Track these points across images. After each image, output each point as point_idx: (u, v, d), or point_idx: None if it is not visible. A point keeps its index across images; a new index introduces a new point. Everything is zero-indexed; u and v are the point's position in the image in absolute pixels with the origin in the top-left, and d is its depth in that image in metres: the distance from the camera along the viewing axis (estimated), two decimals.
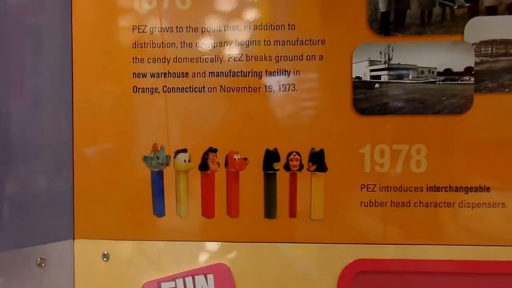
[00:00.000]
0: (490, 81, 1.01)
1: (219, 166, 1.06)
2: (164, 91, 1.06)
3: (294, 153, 1.05)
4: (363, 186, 1.05)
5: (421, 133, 1.04)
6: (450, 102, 1.02)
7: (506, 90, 1.01)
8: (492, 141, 1.04)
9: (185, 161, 1.06)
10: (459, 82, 1.02)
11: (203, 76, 1.05)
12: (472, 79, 1.01)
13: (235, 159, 1.06)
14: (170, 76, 1.05)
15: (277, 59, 1.04)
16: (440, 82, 1.02)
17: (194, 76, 1.05)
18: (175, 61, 1.05)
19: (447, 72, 1.02)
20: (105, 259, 1.10)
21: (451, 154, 1.04)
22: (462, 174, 1.05)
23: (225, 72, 1.04)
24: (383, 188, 1.05)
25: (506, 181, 1.04)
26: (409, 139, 1.04)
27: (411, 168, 1.04)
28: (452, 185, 1.04)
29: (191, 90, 1.05)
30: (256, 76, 1.04)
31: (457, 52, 1.02)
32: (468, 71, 1.02)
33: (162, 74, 1.05)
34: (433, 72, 1.02)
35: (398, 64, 1.03)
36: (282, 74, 1.04)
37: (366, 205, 1.06)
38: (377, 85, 1.03)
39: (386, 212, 1.06)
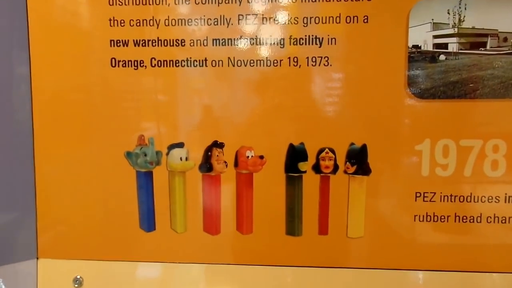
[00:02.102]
0: None
1: (226, 166, 0.61)
2: (153, 65, 0.60)
3: (327, 149, 0.59)
4: (418, 195, 0.60)
5: (500, 124, 0.58)
6: None
7: None
8: None
9: (181, 159, 0.61)
10: None
11: (205, 44, 0.59)
12: None
13: (248, 157, 0.60)
14: (161, 45, 0.59)
15: (304, 21, 0.57)
16: None
17: (193, 45, 0.59)
18: (166, 23, 0.59)
19: None
20: (76, 284, 0.63)
21: None
22: None
23: (235, 39, 0.59)
24: (446, 198, 0.60)
25: None
26: (483, 132, 0.59)
27: (484, 171, 0.58)
28: None
29: (188, 64, 0.60)
30: (277, 44, 0.57)
31: None
32: None
33: (150, 42, 0.59)
34: None
35: (473, 28, 0.56)
36: (312, 42, 0.57)
37: (421, 219, 0.61)
38: (442, 57, 0.57)
39: (449, 229, 0.60)
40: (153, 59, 0.63)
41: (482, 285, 0.65)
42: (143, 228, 0.67)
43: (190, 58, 0.63)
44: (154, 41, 0.63)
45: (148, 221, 0.67)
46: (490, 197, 0.63)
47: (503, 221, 0.63)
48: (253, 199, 0.66)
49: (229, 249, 0.67)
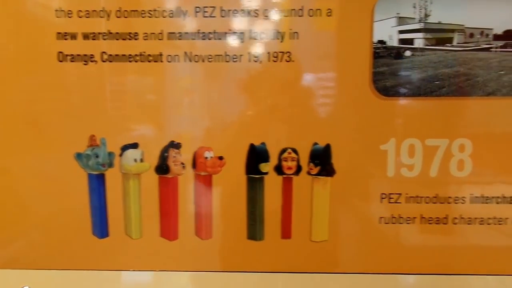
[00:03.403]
0: None
1: (184, 167, 0.48)
2: (104, 59, 0.47)
3: (289, 150, 0.48)
4: (384, 196, 0.50)
5: (466, 123, 0.48)
6: (510, 78, 0.46)
7: None
8: None
9: (135, 160, 0.48)
10: None
11: (160, 38, 0.46)
12: None
13: (207, 158, 0.48)
14: (112, 38, 0.46)
15: (265, 14, 0.45)
16: (497, 50, 0.46)
17: (147, 39, 0.46)
18: (118, 15, 0.46)
19: (508, 35, 0.46)
20: None
21: (505, 152, 0.48)
22: None
23: (192, 33, 0.46)
24: (412, 199, 0.48)
25: None
26: (449, 131, 0.48)
27: (450, 171, 0.48)
28: (505, 194, 0.48)
29: (142, 59, 0.47)
30: (236, 38, 0.45)
31: None
32: None
33: (100, 35, 0.46)
34: (487, 35, 0.46)
35: (439, 23, 0.46)
36: (273, 36, 0.45)
37: (387, 221, 0.50)
38: (408, 53, 0.47)
39: (414, 231, 0.49)
40: (104, 54, 0.51)
41: (449, 287, 0.55)
42: (95, 234, 0.55)
43: (144, 52, 0.51)
44: (104, 34, 0.51)
45: (101, 227, 0.55)
46: (456, 198, 0.53)
47: (469, 222, 0.53)
48: (212, 202, 0.54)
49: (187, 255, 0.55)
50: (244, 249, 0.56)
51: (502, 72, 0.52)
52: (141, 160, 0.54)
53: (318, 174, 0.54)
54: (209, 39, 0.52)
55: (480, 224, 0.54)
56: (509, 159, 0.54)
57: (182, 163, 0.55)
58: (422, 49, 0.52)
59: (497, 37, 0.51)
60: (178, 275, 0.57)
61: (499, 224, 0.54)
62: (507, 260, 0.55)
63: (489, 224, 0.54)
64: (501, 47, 0.51)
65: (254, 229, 0.56)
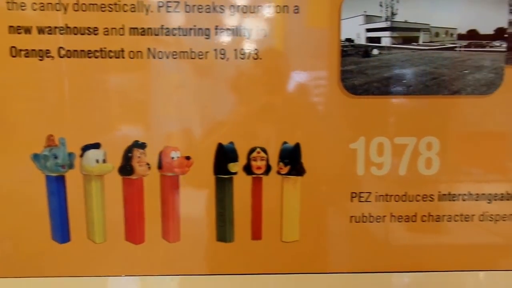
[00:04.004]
0: None
1: (149, 168, 0.43)
2: (61, 55, 0.41)
3: (258, 149, 0.44)
4: (354, 195, 0.46)
5: (433, 121, 0.45)
6: (474, 77, 0.44)
7: None
8: None
9: (97, 161, 0.43)
10: (487, 48, 0.42)
11: (121, 33, 0.41)
12: (504, 45, 0.42)
13: (173, 158, 0.43)
14: (70, 33, 0.40)
15: (231, 10, 0.41)
16: (462, 49, 0.43)
17: (107, 34, 0.40)
18: (76, 8, 0.40)
19: (472, 35, 0.43)
20: None
21: (471, 150, 0.45)
22: (485, 177, 0.46)
23: (155, 29, 0.41)
24: (381, 198, 0.45)
25: None
26: (417, 130, 0.44)
27: (419, 170, 0.45)
28: (472, 192, 0.45)
29: (102, 55, 0.41)
30: (202, 35, 0.41)
31: (486, 6, 0.42)
32: (499, 33, 0.43)
33: (57, 29, 0.40)
34: (452, 35, 0.43)
35: (405, 22, 0.42)
36: (240, 33, 0.41)
37: (358, 220, 0.46)
38: (375, 52, 0.43)
39: (385, 229, 0.45)
40: (61, 49, 0.45)
41: (418, 284, 0.52)
42: (56, 239, 0.49)
43: (105, 48, 0.46)
44: (62, 28, 0.45)
45: (61, 232, 0.49)
46: (425, 196, 0.50)
47: (438, 220, 0.50)
48: (179, 204, 0.49)
49: (154, 259, 0.50)
50: (213, 251, 0.51)
51: (466, 71, 0.49)
52: (104, 161, 0.49)
53: (288, 173, 0.50)
54: (174, 35, 0.47)
55: (448, 221, 0.52)
56: (475, 157, 0.51)
57: (147, 164, 0.49)
58: (389, 48, 0.49)
59: (461, 37, 0.49)
60: (145, 280, 0.51)
61: (466, 221, 0.52)
62: (474, 256, 0.52)
63: (456, 221, 0.52)
64: (465, 46, 0.49)
65: (224, 231, 0.51)
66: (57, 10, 0.46)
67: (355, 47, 0.49)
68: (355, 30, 0.49)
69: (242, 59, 0.48)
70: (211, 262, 0.52)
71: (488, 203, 0.52)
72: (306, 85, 0.49)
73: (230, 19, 0.48)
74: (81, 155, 0.49)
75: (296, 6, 0.48)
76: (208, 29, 0.48)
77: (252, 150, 0.50)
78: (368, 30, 0.49)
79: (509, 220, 0.52)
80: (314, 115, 0.50)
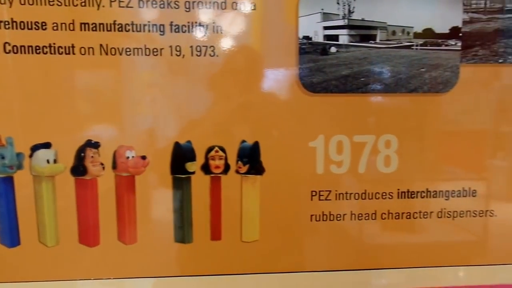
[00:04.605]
0: (481, 48, 0.41)
1: (103, 168, 0.39)
2: (7, 51, 0.37)
3: (216, 148, 0.41)
4: (314, 194, 0.44)
5: (391, 119, 0.42)
6: (431, 75, 0.42)
7: (500, 61, 0.41)
8: (481, 130, 0.43)
9: (48, 161, 0.39)
10: (442, 47, 0.40)
11: (72, 29, 0.36)
12: (459, 43, 0.40)
13: (128, 157, 0.40)
14: (16, 27, 0.36)
15: (186, 6, 0.38)
16: (418, 47, 0.41)
17: (57, 29, 0.37)
18: (22, 2, 0.36)
19: (428, 34, 0.41)
20: None
21: (429, 147, 0.43)
22: (442, 174, 0.44)
23: (107, 25, 0.37)
24: (341, 196, 0.42)
25: (496, 181, 0.44)
26: (375, 127, 0.42)
27: (378, 168, 0.42)
28: (430, 189, 0.43)
29: (52, 51, 0.37)
30: (156, 31, 0.37)
31: (441, 6, 0.40)
32: (454, 32, 0.41)
33: (2, 24, 0.36)
34: (408, 33, 0.41)
35: (362, 20, 0.40)
36: (196, 29, 0.38)
37: (318, 219, 0.43)
38: (333, 50, 0.41)
39: (345, 227, 0.43)
40: (7, 44, 0.42)
41: (378, 283, 0.49)
42: (5, 243, 0.45)
43: (54, 44, 0.42)
44: (7, 23, 0.41)
45: (10, 235, 0.45)
46: (384, 193, 0.48)
47: (397, 217, 0.48)
48: (136, 205, 0.46)
49: (110, 262, 0.46)
50: (172, 252, 0.48)
51: (423, 70, 0.47)
52: (55, 161, 0.45)
53: (247, 172, 0.47)
54: (127, 30, 0.44)
55: (407, 218, 0.49)
56: (432, 154, 0.49)
57: (101, 164, 0.46)
58: (347, 46, 0.47)
59: (417, 35, 0.47)
60: (100, 284, 0.47)
61: (424, 218, 0.50)
62: (433, 253, 0.50)
63: (415, 218, 0.50)
64: (421, 45, 0.47)
65: (182, 232, 0.48)
66: (2, 4, 0.42)
67: (313, 44, 0.47)
68: (312, 27, 0.46)
69: (198, 56, 0.45)
70: (170, 264, 0.48)
71: (446, 200, 0.50)
72: (264, 83, 0.47)
73: (186, 15, 0.45)
74: (31, 155, 0.45)
75: (253, 3, 0.45)
76: (162, 25, 0.44)
77: (210, 149, 0.47)
78: (326, 28, 0.47)
79: (466, 216, 0.50)
80: (273, 113, 0.47)
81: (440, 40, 0.48)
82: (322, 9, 0.46)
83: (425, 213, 0.50)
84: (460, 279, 0.52)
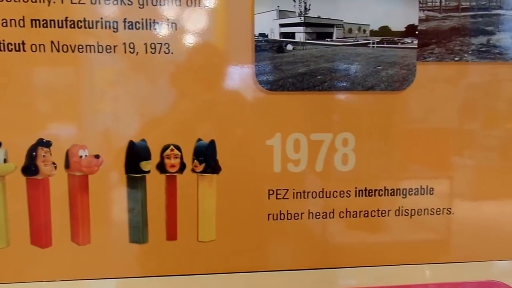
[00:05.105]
0: (437, 46, 0.52)
1: (55, 167, 0.49)
2: None
3: (172, 147, 0.51)
4: (271, 192, 0.54)
5: (348, 117, 0.53)
6: (387, 73, 0.53)
7: (456, 59, 0.52)
8: (438, 127, 0.55)
9: None
10: (399, 45, 0.51)
11: (22, 25, 0.46)
12: (415, 41, 0.51)
13: (81, 156, 0.50)
14: None
15: (140, 2, 0.47)
16: (375, 45, 0.51)
17: (6, 25, 0.46)
18: None
19: (384, 32, 0.51)
20: None
21: (386, 145, 0.54)
22: (400, 172, 0.56)
23: (58, 21, 0.47)
24: (299, 194, 0.53)
25: (454, 179, 0.55)
26: (332, 125, 0.54)
27: (335, 166, 0.53)
28: (387, 187, 0.54)
29: (1, 48, 0.47)
30: (109, 28, 0.47)
31: (397, 3, 0.51)
32: (410, 30, 0.51)
33: None
34: (364, 31, 0.52)
35: (318, 17, 0.50)
36: (150, 26, 0.47)
37: (275, 218, 0.54)
38: (289, 47, 0.51)
39: (303, 226, 0.54)
40: None
41: (336, 281, 0.60)
42: None
43: (3, 41, 0.51)
44: None
45: None
46: (342, 192, 0.58)
47: (355, 216, 0.58)
48: (89, 205, 0.55)
49: (63, 263, 0.55)
50: (126, 253, 0.57)
51: (379, 67, 0.58)
52: (5, 161, 0.53)
53: (203, 171, 0.57)
54: (79, 27, 0.52)
55: (365, 217, 0.60)
56: (389, 152, 0.59)
57: (54, 163, 0.54)
58: (303, 43, 0.56)
59: (373, 33, 0.57)
60: (53, 286, 0.56)
61: (382, 216, 0.60)
62: (391, 252, 0.61)
63: (373, 217, 0.60)
64: (378, 43, 0.57)
65: (137, 232, 0.57)
66: None
67: (269, 42, 0.56)
68: (268, 25, 0.56)
69: (153, 53, 0.54)
70: (124, 265, 0.58)
71: (403, 198, 0.60)
72: (220, 81, 0.56)
73: (140, 12, 0.53)
74: None
75: None
76: (116, 22, 0.53)
77: (166, 148, 0.56)
78: (282, 25, 0.56)
79: (424, 214, 0.61)
80: (229, 111, 0.57)
81: (396, 38, 0.58)
82: (278, 7, 0.56)
83: (383, 212, 0.60)
84: (424, 277, 0.62)
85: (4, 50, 0.52)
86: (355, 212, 0.60)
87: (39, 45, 0.52)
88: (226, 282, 0.59)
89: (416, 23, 0.58)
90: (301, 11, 0.56)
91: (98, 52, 0.53)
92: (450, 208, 0.61)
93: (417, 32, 0.58)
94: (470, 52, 0.59)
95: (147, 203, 0.57)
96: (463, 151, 0.61)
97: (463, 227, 0.62)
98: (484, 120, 0.61)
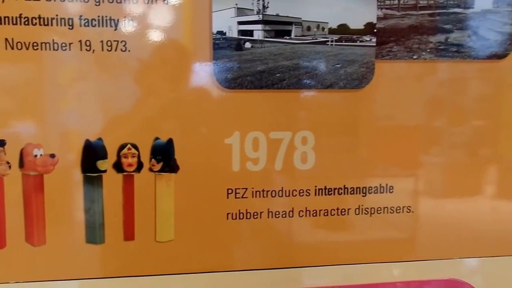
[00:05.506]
0: (395, 44, 0.62)
1: (9, 167, 0.57)
2: None
3: (129, 145, 0.60)
4: (230, 191, 0.64)
5: (307, 115, 0.63)
6: (346, 71, 0.63)
7: (415, 57, 0.62)
8: (397, 125, 0.65)
9: None
10: (357, 43, 0.61)
11: None
12: (374, 39, 0.61)
13: (36, 156, 0.59)
14: None
15: (97, 0, 0.56)
16: (333, 43, 0.61)
17: None
18: None
19: (343, 30, 0.61)
20: None
21: (346, 144, 0.64)
22: (359, 170, 0.66)
23: (13, 18, 0.55)
24: (258, 193, 0.63)
25: (413, 177, 0.66)
26: (292, 124, 0.63)
27: (295, 164, 0.63)
28: (347, 185, 0.64)
29: None
30: (65, 25, 0.56)
31: (356, 1, 0.62)
32: (368, 28, 0.62)
33: None
34: (323, 29, 0.61)
35: (277, 15, 0.60)
36: (106, 24, 0.56)
37: (234, 217, 0.64)
38: (248, 45, 0.60)
39: (262, 225, 0.64)
40: None
41: (301, 280, 0.69)
42: None
43: None
44: None
45: None
46: (301, 191, 0.67)
47: (314, 214, 0.68)
48: (44, 205, 0.63)
49: (17, 265, 0.63)
50: (83, 254, 0.65)
51: (338, 65, 0.67)
52: None
53: (161, 170, 0.65)
54: (34, 24, 0.60)
55: (325, 215, 0.69)
56: (349, 151, 0.69)
57: (8, 162, 0.62)
58: (261, 41, 0.66)
59: (332, 31, 0.67)
60: None
61: (342, 215, 0.70)
62: (353, 251, 0.71)
63: (333, 216, 0.70)
64: (337, 40, 0.67)
65: (94, 232, 0.65)
66: None
67: (227, 40, 0.65)
68: (227, 22, 0.65)
69: (109, 51, 0.63)
70: (81, 266, 0.66)
71: (363, 196, 0.70)
72: (178, 79, 0.65)
73: (96, 9, 0.62)
74: None
75: None
76: (71, 19, 0.61)
77: (123, 147, 0.65)
78: (240, 23, 0.65)
79: (383, 213, 0.71)
80: (187, 109, 0.65)
81: (355, 36, 0.68)
82: (236, 4, 0.65)
83: (343, 210, 0.70)
84: (390, 275, 0.72)
85: None
86: (314, 211, 0.70)
87: None
88: (185, 283, 0.68)
89: (375, 21, 0.68)
90: (259, 9, 0.65)
91: (54, 49, 0.62)
92: (410, 207, 0.72)
93: (375, 30, 0.68)
94: (428, 50, 0.69)
95: (104, 203, 0.65)
96: (423, 149, 0.71)
97: (423, 225, 0.73)
98: (443, 118, 0.71)
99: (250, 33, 0.66)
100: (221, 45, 0.65)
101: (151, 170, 0.66)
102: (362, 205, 0.71)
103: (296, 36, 0.67)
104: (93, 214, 0.65)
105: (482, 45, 0.70)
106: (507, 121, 0.73)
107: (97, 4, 0.62)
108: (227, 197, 0.68)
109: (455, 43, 0.70)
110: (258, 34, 0.66)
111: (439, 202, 0.73)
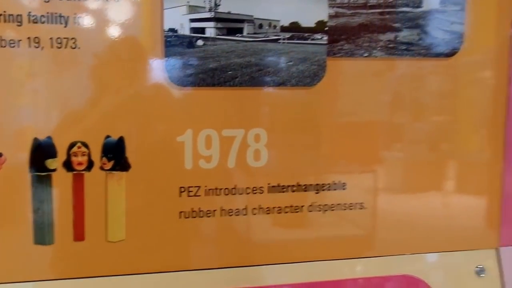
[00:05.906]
0: (346, 42, 0.75)
1: None
2: None
3: (79, 144, 0.70)
4: (182, 190, 0.75)
5: (260, 113, 0.75)
6: (298, 69, 0.75)
7: (365, 55, 0.75)
8: (348, 122, 0.78)
9: None
10: (309, 41, 0.73)
11: None
12: (325, 37, 0.74)
13: None
14: None
15: None
16: (285, 41, 0.73)
17: None
18: None
19: (294, 27, 0.73)
20: None
21: (298, 141, 0.76)
22: (312, 167, 0.78)
23: None
24: (211, 191, 0.74)
25: (365, 173, 0.78)
26: (244, 121, 0.74)
27: (247, 162, 0.74)
28: (300, 182, 0.76)
29: None
30: (13, 21, 0.65)
31: (306, 0, 0.73)
32: (320, 26, 0.74)
33: None
34: (275, 27, 0.73)
35: (229, 13, 0.71)
36: (56, 21, 0.66)
37: (187, 216, 0.74)
38: (200, 42, 0.71)
39: (216, 224, 0.74)
40: None
41: (260, 278, 0.80)
42: None
43: None
44: None
45: None
46: (254, 188, 0.79)
47: (268, 212, 0.79)
48: None
49: None
50: (31, 255, 0.74)
51: (290, 63, 0.79)
52: None
53: (112, 169, 0.75)
54: None
55: (278, 213, 0.81)
56: (302, 148, 0.81)
57: None
58: (213, 39, 0.77)
59: (284, 29, 0.78)
60: None
61: (296, 212, 0.82)
62: (304, 248, 0.82)
63: (287, 213, 0.81)
64: (288, 38, 0.78)
65: (42, 233, 0.75)
66: None
67: (179, 37, 0.76)
68: (178, 20, 0.76)
69: (59, 48, 0.72)
70: (29, 268, 0.75)
71: (316, 193, 0.82)
72: (130, 76, 0.75)
73: (45, 6, 0.71)
74: None
75: None
76: (20, 15, 0.71)
77: (73, 145, 0.74)
78: (192, 20, 0.76)
79: (336, 209, 0.83)
80: (139, 107, 0.76)
81: (306, 34, 0.80)
82: (188, 2, 0.76)
83: (296, 207, 0.82)
84: (341, 272, 0.85)
85: None
86: (268, 208, 0.81)
87: None
88: (137, 283, 0.78)
89: (326, 19, 0.80)
90: (211, 7, 0.77)
91: (1, 46, 0.71)
92: (363, 203, 0.84)
93: (326, 28, 0.80)
94: (379, 48, 0.82)
95: (53, 202, 0.75)
96: (374, 145, 0.84)
97: (377, 221, 0.85)
98: (394, 114, 0.84)
99: (202, 30, 0.77)
100: (173, 42, 0.76)
101: (102, 168, 0.76)
102: (315, 202, 0.83)
103: (248, 33, 0.78)
104: (42, 214, 0.75)
105: (431, 43, 0.84)
106: (457, 118, 0.87)
107: (47, 1, 0.71)
108: (180, 196, 0.78)
109: (404, 41, 0.83)
110: (210, 32, 0.77)
111: (392, 198, 0.86)
